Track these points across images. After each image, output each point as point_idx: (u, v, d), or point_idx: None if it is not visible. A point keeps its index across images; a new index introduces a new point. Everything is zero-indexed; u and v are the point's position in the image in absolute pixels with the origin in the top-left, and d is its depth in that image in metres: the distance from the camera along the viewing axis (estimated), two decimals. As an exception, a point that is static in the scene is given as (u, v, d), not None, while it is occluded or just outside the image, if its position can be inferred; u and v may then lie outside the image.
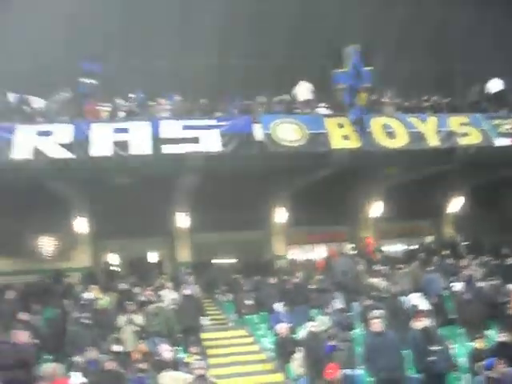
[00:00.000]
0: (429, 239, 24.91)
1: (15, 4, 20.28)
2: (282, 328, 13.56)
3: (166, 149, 16.40)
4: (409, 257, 21.35)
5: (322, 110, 19.01)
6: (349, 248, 20.99)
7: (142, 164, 16.71)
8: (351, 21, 23.06)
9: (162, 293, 16.31)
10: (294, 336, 13.69)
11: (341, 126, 17.85)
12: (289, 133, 17.49)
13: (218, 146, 16.86)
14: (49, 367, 11.58)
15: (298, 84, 19.25)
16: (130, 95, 18.49)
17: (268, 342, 14.61)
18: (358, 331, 14.08)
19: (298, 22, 23.21)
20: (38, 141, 16.36)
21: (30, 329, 12.69)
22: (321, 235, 23.67)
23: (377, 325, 11.18)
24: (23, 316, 14.09)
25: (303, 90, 19.17)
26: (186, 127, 16.96)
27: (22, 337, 11.76)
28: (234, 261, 22.84)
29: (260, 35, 23.03)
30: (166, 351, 12.18)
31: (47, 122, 17.05)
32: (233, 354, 14.72)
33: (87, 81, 17.89)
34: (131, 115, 17.66)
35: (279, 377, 13.15)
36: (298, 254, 24.20)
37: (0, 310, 15.40)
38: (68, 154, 16.19)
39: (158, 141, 16.46)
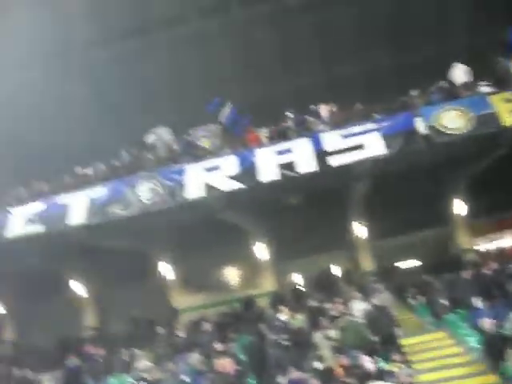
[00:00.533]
0: None
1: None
2: (487, 324, 12.68)
3: (332, 161, 16.24)
4: None
5: (484, 88, 17.83)
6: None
7: (310, 181, 16.69)
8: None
9: (351, 305, 16.09)
10: (502, 331, 12.74)
11: (508, 100, 16.63)
12: (453, 120, 16.58)
13: (382, 148, 16.41)
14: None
15: (452, 67, 18.30)
16: (288, 114, 18.62)
17: (473, 342, 13.69)
18: None
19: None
20: (207, 177, 17.08)
21: (230, 357, 13.14)
22: (508, 221, 21.99)
23: None
24: (219, 346, 14.58)
25: (459, 73, 18.18)
26: (347, 135, 16.72)
27: (226, 365, 12.22)
28: (418, 262, 22.01)
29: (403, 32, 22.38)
30: (367, 362, 11.95)
31: (213, 158, 17.77)
32: (436, 358, 13.96)
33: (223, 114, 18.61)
34: (291, 134, 17.75)
35: (492, 378, 12.25)
36: (485, 244, 22.66)
37: (198, 342, 16.17)
38: (238, 185, 16.68)
39: (322, 155, 16.35)
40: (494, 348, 12.16)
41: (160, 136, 19.88)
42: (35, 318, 22.65)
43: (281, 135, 17.80)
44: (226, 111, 19.02)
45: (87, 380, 16.24)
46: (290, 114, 18.51)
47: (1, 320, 23.65)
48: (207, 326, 17.15)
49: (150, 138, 19.85)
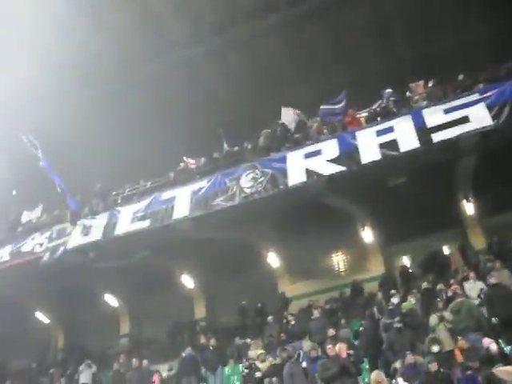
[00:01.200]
0: None
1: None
2: None
3: (436, 137, 15.62)
4: None
5: None
6: None
7: (413, 159, 16.16)
8: None
9: (466, 285, 15.44)
10: None
11: None
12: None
13: (488, 120, 15.58)
14: (374, 375, 11.62)
15: None
16: (387, 91, 18.11)
17: None
18: None
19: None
20: (308, 163, 16.96)
21: (342, 342, 12.98)
22: None
23: None
24: (331, 331, 14.43)
25: None
26: (449, 109, 16.00)
27: (339, 350, 12.10)
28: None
29: None
30: (490, 344, 11.39)
31: (313, 143, 17.62)
32: None
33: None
34: (391, 113, 17.26)
35: None
36: None
37: (309, 328, 16.11)
38: (339, 168, 16.43)
39: (424, 131, 15.79)
40: None
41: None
42: (149, 311, 23.41)
43: (380, 115, 17.38)
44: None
45: (202, 369, 16.55)
46: (388, 92, 18.01)
47: (118, 314, 24.58)
48: (317, 313, 17.04)
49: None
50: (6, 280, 21.13)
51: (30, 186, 25.53)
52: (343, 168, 16.40)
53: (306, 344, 15.53)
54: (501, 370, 10.41)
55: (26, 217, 23.60)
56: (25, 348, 24.97)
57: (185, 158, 21.01)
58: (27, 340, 25.24)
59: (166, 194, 19.44)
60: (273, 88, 24.43)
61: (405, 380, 11.11)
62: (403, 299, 15.93)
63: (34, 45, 23.27)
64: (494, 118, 15.41)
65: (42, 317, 25.74)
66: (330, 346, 12.82)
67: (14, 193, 25.52)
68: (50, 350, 25.45)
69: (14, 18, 22.59)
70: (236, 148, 20.35)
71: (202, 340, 17.48)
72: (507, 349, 12.20)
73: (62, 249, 19.87)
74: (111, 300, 24.37)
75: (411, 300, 15.63)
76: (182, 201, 18.85)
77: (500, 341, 12.42)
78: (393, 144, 15.90)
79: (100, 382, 18.77)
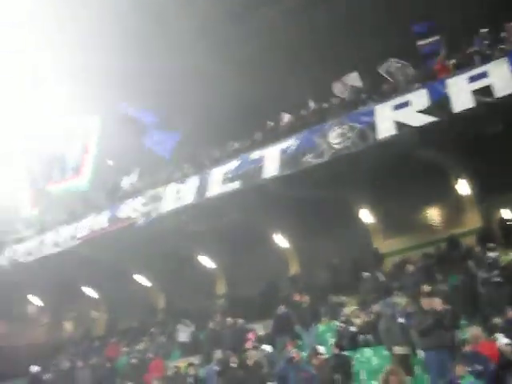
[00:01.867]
0: None
1: None
2: None
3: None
4: None
5: None
6: None
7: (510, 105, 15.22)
8: None
9: None
10: None
11: None
12: None
13: None
14: (473, 331, 11.26)
15: None
16: (481, 31, 17.09)
17: None
18: None
19: None
20: (397, 114, 16.44)
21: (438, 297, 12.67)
22: None
23: None
24: (426, 287, 14.09)
25: None
26: None
27: (435, 304, 11.83)
28: None
29: None
30: None
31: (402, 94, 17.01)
32: None
33: (425, 42, 17.47)
34: (484, 57, 16.30)
35: None
36: None
37: (404, 284, 15.81)
38: (430, 118, 15.80)
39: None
40: None
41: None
42: (244, 271, 23.78)
43: (472, 59, 16.48)
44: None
45: (296, 327, 16.65)
46: (482, 33, 17.00)
47: (214, 275, 25.11)
48: (411, 268, 16.66)
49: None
50: (106, 246, 22.08)
51: (126, 156, 26.35)
52: (434, 118, 15.78)
53: (401, 299, 15.26)
54: None
55: (124, 182, 24.42)
56: (129, 309, 26.20)
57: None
58: (131, 301, 26.45)
59: (254, 154, 19.47)
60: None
61: (505, 336, 10.63)
62: (503, 253, 15.28)
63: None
64: None
65: (142, 280, 26.75)
66: (425, 301, 12.53)
67: (110, 163, 26.29)
68: (151, 310, 26.38)
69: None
70: (323, 104, 19.97)
71: (296, 298, 17.52)
72: None
73: (155, 213, 20.43)
74: (207, 261, 24.88)
75: (511, 253, 14.97)
76: (270, 160, 18.83)
77: None
78: (487, 90, 15.05)
79: (198, 340, 19.31)
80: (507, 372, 9.54)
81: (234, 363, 14.64)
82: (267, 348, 15.58)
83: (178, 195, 20.60)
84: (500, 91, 14.84)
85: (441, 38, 17.92)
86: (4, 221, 28.54)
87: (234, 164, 19.76)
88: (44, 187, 24.98)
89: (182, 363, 16.81)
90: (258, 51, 25.04)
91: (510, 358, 9.81)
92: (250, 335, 17.26)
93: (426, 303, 12.40)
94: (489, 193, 19.56)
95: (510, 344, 10.11)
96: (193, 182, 20.50)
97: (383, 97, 17.63)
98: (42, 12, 25.42)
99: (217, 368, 15.02)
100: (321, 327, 16.87)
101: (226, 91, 24.85)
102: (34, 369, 20.34)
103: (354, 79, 20.18)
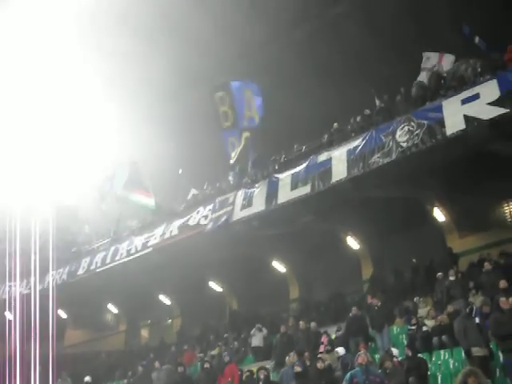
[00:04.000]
0: None
1: None
2: None
3: None
4: None
5: None
6: None
7: None
8: None
9: None
10: None
11: None
12: None
13: None
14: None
15: None
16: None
17: None
18: None
19: None
20: (466, 108, 15.94)
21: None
22: None
23: None
24: (503, 283, 13.68)
25: None
26: None
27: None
28: None
29: None
30: None
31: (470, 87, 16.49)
32: None
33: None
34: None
35: None
36: None
37: (481, 283, 15.33)
38: (501, 110, 15.23)
39: None
40: None
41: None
42: (317, 275, 23.62)
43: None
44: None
45: (369, 329, 16.38)
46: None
47: (287, 279, 25.06)
48: (488, 267, 16.08)
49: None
50: (177, 253, 22.45)
51: (197, 164, 26.78)
52: (507, 110, 15.18)
53: (478, 299, 14.75)
54: None
55: (194, 190, 24.83)
56: (202, 315, 26.53)
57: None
58: (204, 307, 26.81)
59: (321, 156, 19.34)
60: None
61: None
62: None
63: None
64: None
65: (215, 286, 27.07)
66: (503, 299, 12.09)
67: (180, 171, 26.78)
68: (224, 316, 26.61)
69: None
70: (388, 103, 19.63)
71: (369, 300, 17.25)
72: None
73: (224, 217, 20.61)
74: (279, 266, 24.86)
75: None
76: (338, 162, 18.65)
77: None
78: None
79: (271, 344, 19.30)
80: None
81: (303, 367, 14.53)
82: (340, 351, 15.36)
83: (248, 202, 20.66)
84: None
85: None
86: (79, 232, 29.61)
87: (302, 167, 19.66)
88: (117, 193, 25.51)
89: (255, 367, 16.81)
90: (326, 54, 24.96)
91: None
92: (323, 338, 17.11)
93: (504, 302, 11.97)
94: None
95: None
96: (262, 187, 20.53)
97: (451, 91, 17.10)
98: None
99: (298, 369, 14.73)
100: (394, 329, 16.53)
101: (293, 93, 24.86)
102: (87, 378, 21.44)
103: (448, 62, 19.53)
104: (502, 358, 12.08)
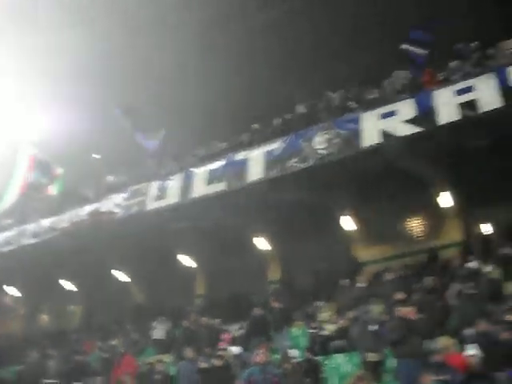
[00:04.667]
0: None
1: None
2: None
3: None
4: None
5: None
6: None
7: (495, 120, 15.28)
8: None
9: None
10: None
11: None
12: None
13: None
14: (443, 341, 11.30)
15: None
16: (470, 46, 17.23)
17: None
18: None
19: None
20: (383, 123, 16.47)
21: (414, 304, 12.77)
22: None
23: None
24: (400, 295, 14.17)
25: None
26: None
27: (408, 312, 11.93)
28: None
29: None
30: None
31: (389, 103, 17.02)
32: None
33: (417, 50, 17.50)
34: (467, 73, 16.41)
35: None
36: None
37: (380, 292, 15.90)
38: (415, 129, 15.86)
39: (509, 91, 14.92)
40: None
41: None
42: (223, 272, 23.70)
43: (460, 73, 16.56)
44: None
45: (270, 329, 16.65)
46: (471, 47, 17.08)
47: (193, 274, 25.04)
48: (390, 277, 16.71)
49: None
50: (85, 238, 21.96)
51: (114, 150, 26.23)
52: (420, 129, 15.83)
53: (375, 307, 15.30)
54: None
55: (109, 177, 24.35)
56: (106, 304, 26.10)
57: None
58: (108, 297, 26.40)
59: (239, 155, 19.43)
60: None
61: (475, 348, 10.67)
62: (482, 266, 15.34)
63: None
64: None
65: (121, 275, 26.70)
66: (398, 309, 12.60)
67: (95, 156, 26.20)
68: (128, 306, 26.27)
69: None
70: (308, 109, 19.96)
71: (272, 301, 17.52)
72: None
73: (136, 208, 20.38)
74: (187, 260, 24.81)
75: (489, 267, 15.02)
76: (256, 162, 18.81)
77: None
78: (472, 104, 15.15)
79: (173, 337, 19.25)
80: (474, 383, 9.55)
81: (204, 362, 14.59)
82: (234, 349, 15.58)
83: (162, 193, 20.51)
84: (485, 106, 14.92)
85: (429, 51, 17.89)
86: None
87: (219, 164, 19.70)
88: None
89: (154, 360, 16.72)
90: (251, 52, 25.04)
91: (477, 370, 9.82)
92: (225, 336, 17.23)
93: (399, 311, 12.47)
94: (470, 206, 19.70)
95: (477, 356, 10.13)
96: (178, 179, 20.41)
97: (370, 105, 17.61)
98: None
99: (204, 365, 14.73)
100: (295, 331, 16.87)
101: (215, 90, 24.83)
102: None
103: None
104: (394, 364, 12.52)
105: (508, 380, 9.49)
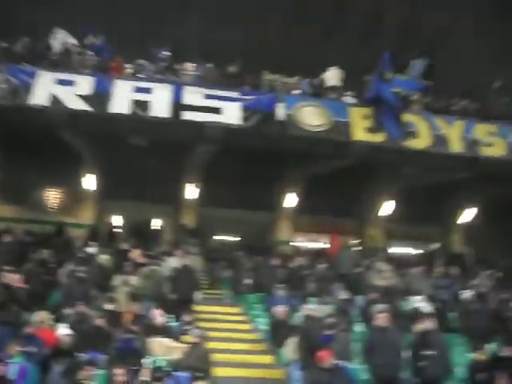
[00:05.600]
0: (435, 246, 24.00)
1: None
2: (280, 311, 13.06)
3: (186, 115, 16.11)
4: (414, 260, 20.94)
5: (348, 98, 18.55)
6: (354, 243, 20.73)
7: (159, 127, 16.37)
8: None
9: (168, 259, 15.93)
10: (290, 321, 13.18)
11: (366, 117, 17.43)
12: (312, 117, 17.09)
13: (238, 119, 16.53)
14: (40, 315, 11.46)
15: (328, 69, 18.80)
16: (162, 52, 18.15)
17: (262, 323, 14.22)
18: (358, 326, 13.38)
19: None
20: (57, 89, 16.10)
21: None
22: (327, 226, 22.78)
23: (382, 319, 10.85)
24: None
25: (332, 76, 18.72)
26: (209, 96, 16.65)
27: (14, 280, 11.86)
28: (237, 239, 22.47)
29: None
30: (158, 316, 12.01)
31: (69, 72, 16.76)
32: (226, 329, 14.29)
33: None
34: (156, 75, 17.33)
35: (270, 359, 12.84)
36: (302, 241, 23.53)
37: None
38: (86, 107, 15.92)
39: (178, 106, 16.18)
40: (278, 333, 12.62)
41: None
42: None
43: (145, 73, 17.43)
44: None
45: None
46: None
47: None
48: (8, 238, 16.20)
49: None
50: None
51: None
52: (90, 108, 15.92)
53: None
54: (154, 341, 11.21)
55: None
56: None
57: None
58: None
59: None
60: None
61: (71, 328, 11.07)
62: (100, 253, 15.96)
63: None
64: (244, 119, 16.49)
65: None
66: (6, 275, 12.44)
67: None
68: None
69: None
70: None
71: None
72: (174, 324, 12.95)
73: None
74: None
75: (107, 257, 15.70)
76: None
77: (170, 315, 13.08)
78: (145, 105, 16.01)
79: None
80: (56, 359, 9.88)
81: None
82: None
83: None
84: (155, 111, 15.92)
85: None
86: None
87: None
88: None
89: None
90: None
91: (64, 347, 10.22)
92: None
93: (6, 278, 12.32)
94: (108, 197, 20.53)
95: (69, 334, 10.55)
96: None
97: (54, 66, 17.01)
98: None
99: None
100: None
101: None
102: None
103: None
104: None
105: (88, 361, 10.00)
